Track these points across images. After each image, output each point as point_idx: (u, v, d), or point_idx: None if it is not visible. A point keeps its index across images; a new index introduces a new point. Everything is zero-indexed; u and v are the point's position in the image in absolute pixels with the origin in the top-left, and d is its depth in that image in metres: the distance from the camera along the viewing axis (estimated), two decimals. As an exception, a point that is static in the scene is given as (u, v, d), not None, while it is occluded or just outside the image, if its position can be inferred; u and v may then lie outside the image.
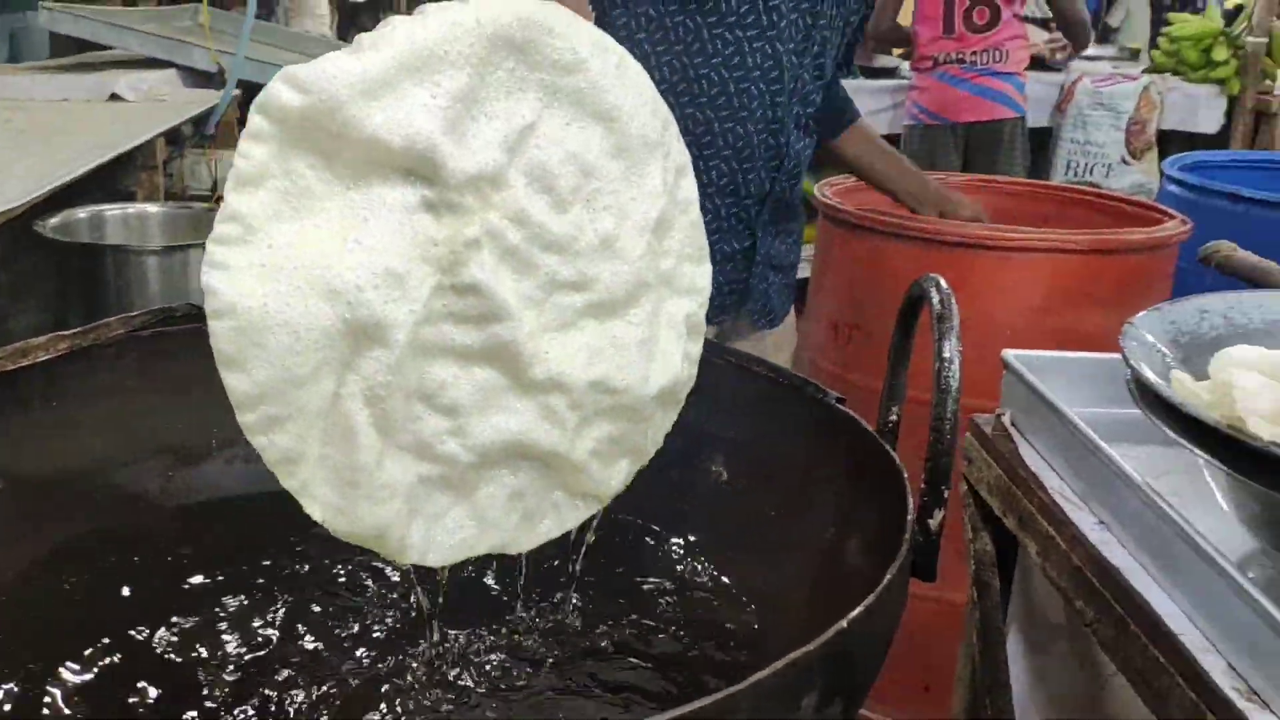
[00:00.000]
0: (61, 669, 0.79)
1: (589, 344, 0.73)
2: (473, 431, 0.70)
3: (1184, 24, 4.40)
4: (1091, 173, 4.21)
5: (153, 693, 0.78)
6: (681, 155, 0.80)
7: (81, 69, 2.76)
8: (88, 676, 0.79)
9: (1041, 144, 4.29)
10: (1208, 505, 0.76)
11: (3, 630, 0.83)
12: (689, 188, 0.81)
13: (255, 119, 0.62)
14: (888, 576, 0.62)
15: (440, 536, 0.71)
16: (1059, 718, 1.00)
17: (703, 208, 1.51)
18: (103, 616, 0.86)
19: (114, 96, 2.34)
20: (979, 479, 0.96)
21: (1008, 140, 3.43)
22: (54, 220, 1.57)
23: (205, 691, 0.78)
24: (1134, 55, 4.66)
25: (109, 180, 2.14)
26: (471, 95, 0.66)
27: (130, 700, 0.77)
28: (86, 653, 0.81)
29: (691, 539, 0.97)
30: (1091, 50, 4.63)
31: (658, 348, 0.78)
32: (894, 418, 0.86)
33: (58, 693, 0.77)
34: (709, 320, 1.37)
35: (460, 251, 0.67)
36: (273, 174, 0.62)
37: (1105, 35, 7.68)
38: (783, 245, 1.70)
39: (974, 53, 3.56)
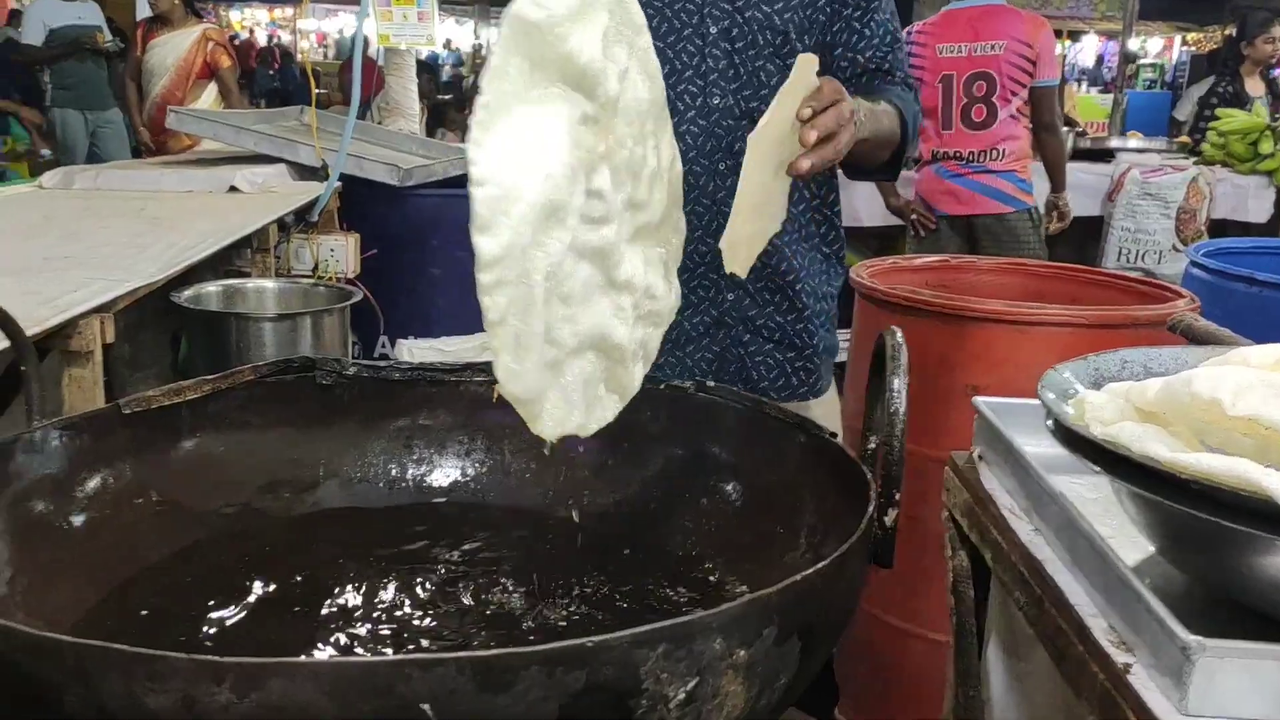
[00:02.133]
0: (201, 638, 1.02)
1: (643, 256, 0.93)
2: (579, 319, 0.86)
3: (1230, 119, 4.56)
4: (1143, 259, 4.35)
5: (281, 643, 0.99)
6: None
7: (201, 164, 3.12)
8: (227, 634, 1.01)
9: (1095, 232, 4.45)
10: (1121, 521, 0.93)
11: (158, 613, 1.06)
12: (671, 145, 1.03)
13: (506, 27, 0.81)
14: (841, 549, 0.81)
15: (543, 413, 0.87)
16: (1039, 717, 1.16)
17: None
18: (235, 595, 1.08)
19: (232, 188, 2.66)
20: (954, 504, 1.14)
21: (1015, 232, 3.56)
22: (187, 292, 1.84)
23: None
24: (1184, 148, 4.81)
25: (226, 260, 2.44)
26: (607, 35, 0.87)
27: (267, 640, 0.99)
28: (229, 621, 1.04)
29: (707, 549, 1.16)
30: (1141, 143, 4.80)
31: (670, 269, 0.99)
32: (871, 446, 1.05)
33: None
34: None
35: (595, 161, 0.86)
36: (502, 73, 0.80)
37: (1174, 129, 7.81)
38: (768, 313, 1.70)
39: (970, 151, 3.65)
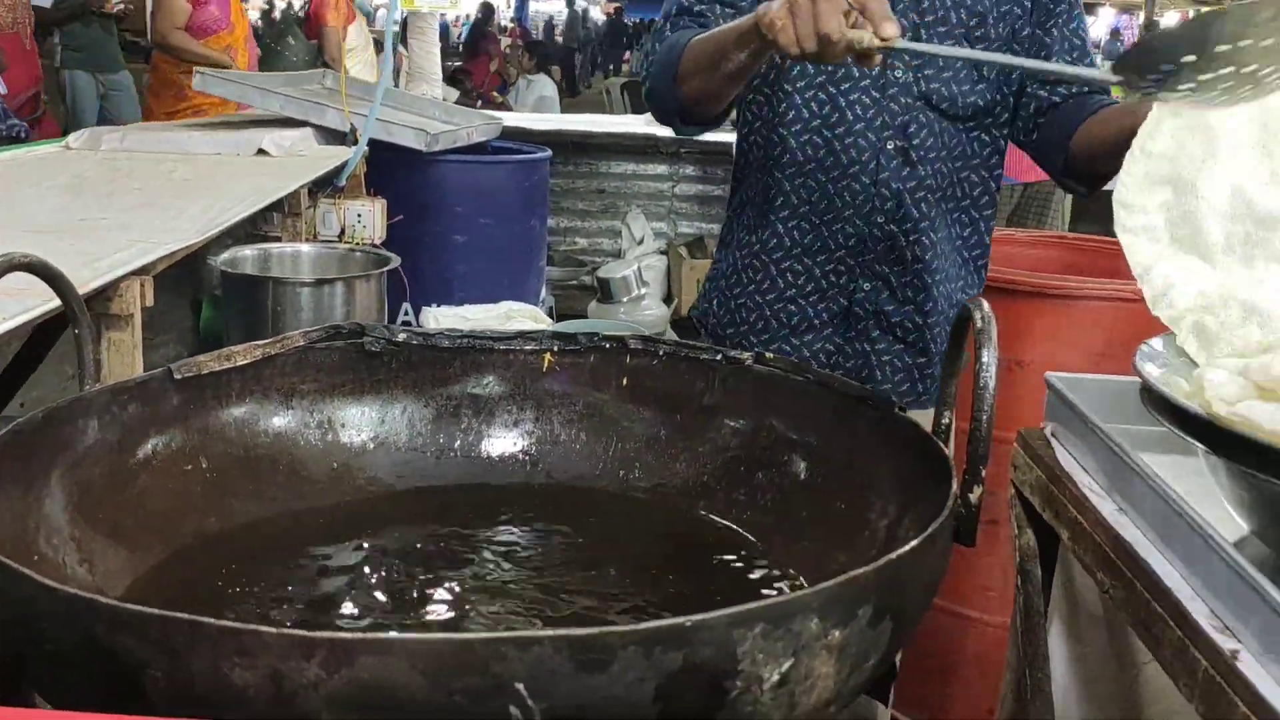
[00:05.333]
0: (250, 598, 0.99)
1: None
2: None
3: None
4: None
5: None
6: None
7: (227, 127, 3.08)
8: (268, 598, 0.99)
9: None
10: (1212, 500, 0.90)
11: (212, 584, 1.03)
12: None
13: None
14: (931, 527, 0.79)
15: None
16: (1095, 701, 1.14)
17: (793, 270, 1.57)
18: (287, 566, 1.06)
19: (260, 151, 2.63)
20: (1024, 481, 1.11)
21: (1056, 200, 3.52)
22: (224, 255, 1.82)
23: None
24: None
25: (252, 224, 2.41)
26: None
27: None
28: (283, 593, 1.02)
29: (763, 524, 1.13)
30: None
31: None
32: (946, 420, 1.02)
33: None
34: None
35: None
36: None
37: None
38: (905, 310, 1.58)
39: None
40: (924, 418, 1.56)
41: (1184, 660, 0.76)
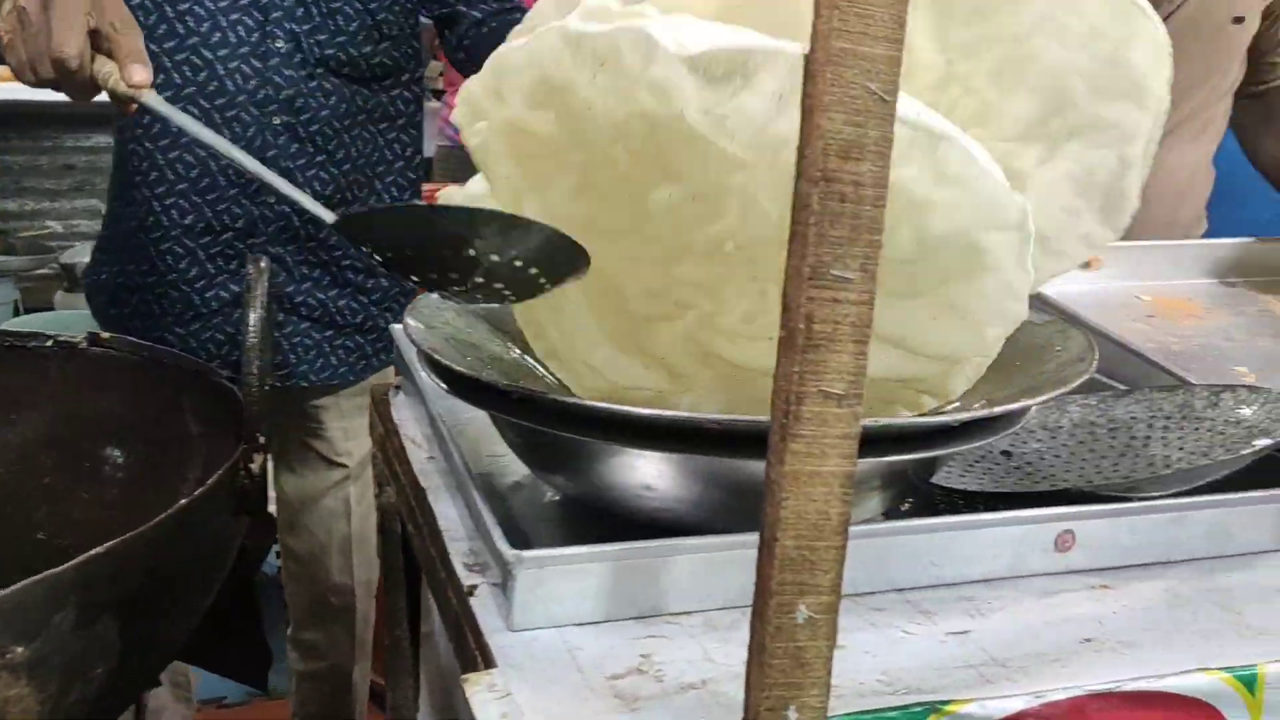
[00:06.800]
0: None
1: None
2: None
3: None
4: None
5: None
6: None
7: None
8: None
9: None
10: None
11: None
12: None
13: None
14: (171, 510, 0.72)
15: None
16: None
17: (174, 253, 1.43)
18: None
19: None
20: (375, 438, 1.09)
21: None
22: None
23: None
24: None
25: None
26: None
27: None
28: None
29: (112, 524, 1.01)
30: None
31: None
32: (266, 386, 0.96)
33: None
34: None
35: None
36: None
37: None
38: (305, 289, 1.47)
39: None
40: (359, 391, 1.53)
41: (444, 599, 0.76)
